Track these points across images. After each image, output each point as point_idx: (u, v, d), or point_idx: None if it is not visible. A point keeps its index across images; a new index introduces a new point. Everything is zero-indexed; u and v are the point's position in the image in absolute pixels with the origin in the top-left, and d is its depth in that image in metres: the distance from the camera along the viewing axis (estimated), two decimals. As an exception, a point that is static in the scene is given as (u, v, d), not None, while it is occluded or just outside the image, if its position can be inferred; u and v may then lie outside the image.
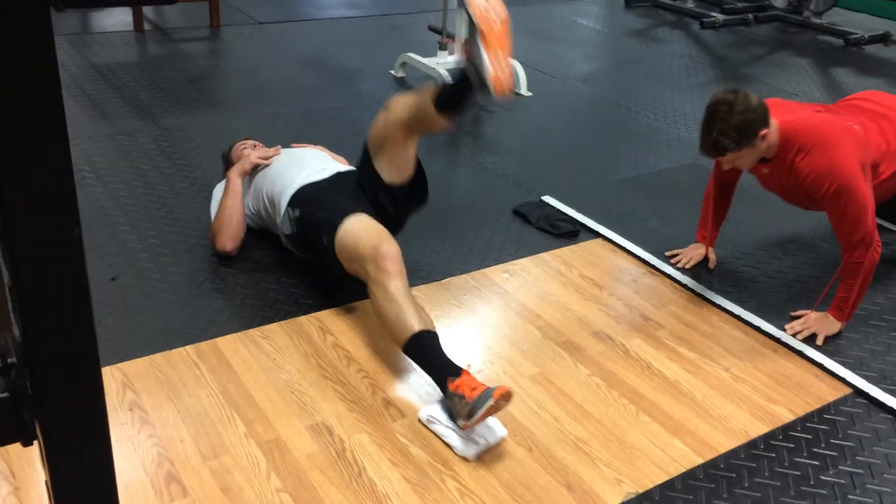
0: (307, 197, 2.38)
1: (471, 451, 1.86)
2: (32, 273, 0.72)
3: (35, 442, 0.81)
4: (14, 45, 0.62)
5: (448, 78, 4.02)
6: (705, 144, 2.29)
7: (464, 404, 1.84)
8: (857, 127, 2.43)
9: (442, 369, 1.94)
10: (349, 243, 2.18)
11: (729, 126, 2.21)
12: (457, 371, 1.92)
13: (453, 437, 1.88)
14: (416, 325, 1.98)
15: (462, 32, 4.29)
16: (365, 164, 2.38)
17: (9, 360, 0.79)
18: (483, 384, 1.87)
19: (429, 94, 2.18)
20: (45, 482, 0.86)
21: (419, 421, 1.94)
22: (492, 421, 1.92)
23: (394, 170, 2.33)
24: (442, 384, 1.92)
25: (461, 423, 1.87)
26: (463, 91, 2.13)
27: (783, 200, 2.57)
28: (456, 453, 1.86)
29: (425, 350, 1.99)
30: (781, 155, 2.36)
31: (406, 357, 2.09)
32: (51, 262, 0.72)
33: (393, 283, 2.05)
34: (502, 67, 2.03)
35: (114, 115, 3.54)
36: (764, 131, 2.27)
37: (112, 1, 0.63)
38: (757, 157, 2.35)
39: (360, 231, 2.18)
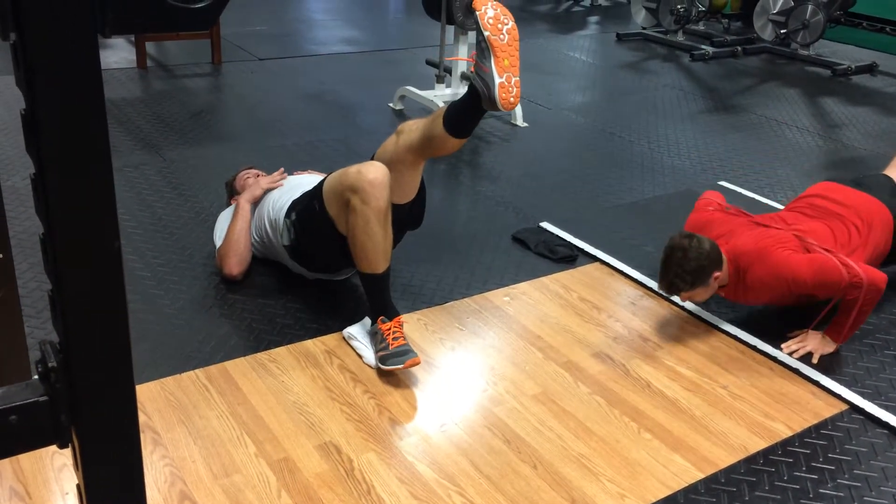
0: (302, 199, 2.47)
1: (376, 363, 2.21)
2: (74, 282, 0.77)
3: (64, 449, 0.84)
4: (62, 69, 0.67)
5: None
6: (662, 284, 2.46)
7: (382, 347, 2.18)
8: (795, 233, 2.53)
9: (382, 308, 2.26)
10: (334, 180, 2.30)
11: (684, 270, 2.37)
12: (391, 315, 2.24)
13: (366, 352, 2.26)
14: (381, 266, 2.24)
15: (461, 52, 4.40)
16: None
17: (49, 365, 0.83)
18: (404, 340, 2.17)
19: (439, 117, 2.25)
20: (77, 486, 0.90)
21: (342, 336, 2.32)
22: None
23: (398, 190, 2.38)
24: (374, 318, 2.26)
25: (375, 359, 2.21)
26: (471, 105, 2.20)
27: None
28: (364, 362, 2.24)
29: (378, 287, 2.28)
30: (732, 279, 2.51)
31: (410, 379, 2.17)
32: (92, 272, 0.77)
33: (374, 218, 2.18)
34: (509, 78, 2.12)
35: (120, 148, 3.61)
36: (717, 273, 2.41)
37: (157, 25, 0.68)
38: (711, 293, 2.48)
39: (344, 167, 2.29)
